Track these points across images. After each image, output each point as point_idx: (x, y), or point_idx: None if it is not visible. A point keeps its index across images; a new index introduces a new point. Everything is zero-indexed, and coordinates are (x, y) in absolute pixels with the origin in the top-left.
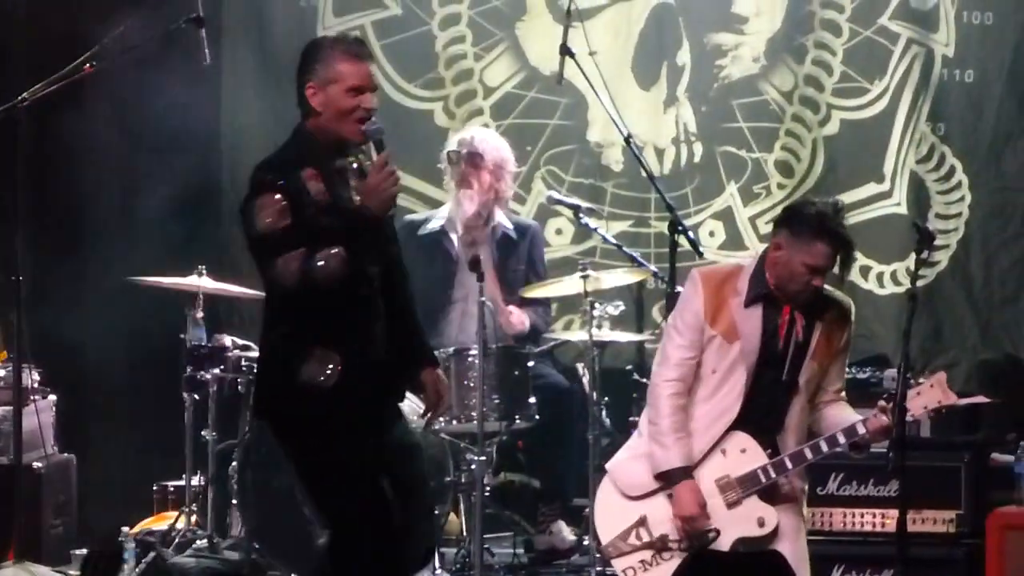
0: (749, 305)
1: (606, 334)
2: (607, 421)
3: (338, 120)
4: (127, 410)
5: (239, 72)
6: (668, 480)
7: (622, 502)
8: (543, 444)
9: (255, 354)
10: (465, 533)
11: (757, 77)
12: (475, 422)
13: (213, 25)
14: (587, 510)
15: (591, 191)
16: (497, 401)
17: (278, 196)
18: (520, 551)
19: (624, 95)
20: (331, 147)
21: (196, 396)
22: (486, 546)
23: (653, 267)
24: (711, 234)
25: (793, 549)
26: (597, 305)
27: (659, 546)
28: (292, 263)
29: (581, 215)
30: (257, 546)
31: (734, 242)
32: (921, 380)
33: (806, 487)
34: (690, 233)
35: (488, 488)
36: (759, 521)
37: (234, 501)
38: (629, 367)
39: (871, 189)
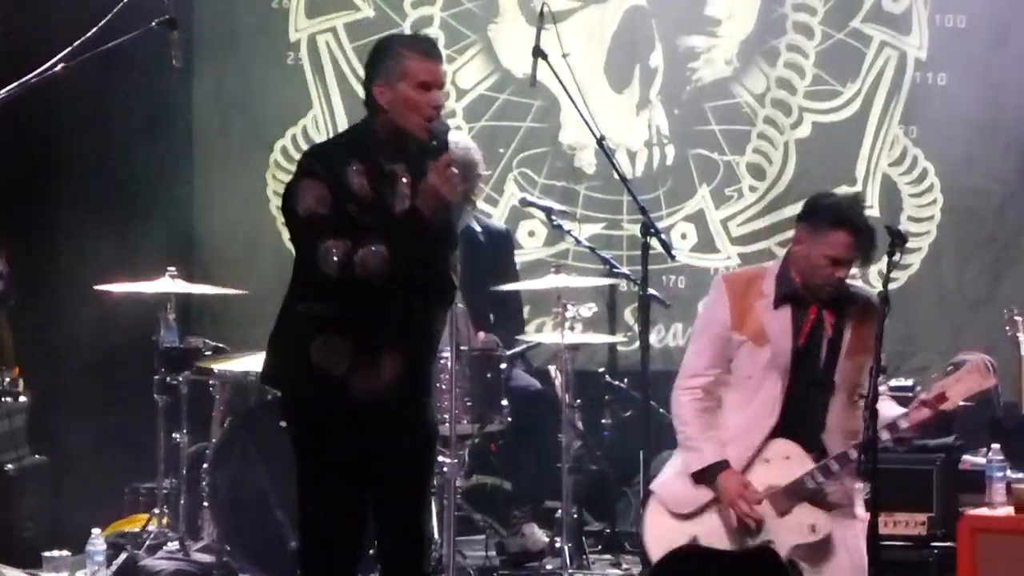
0: (778, 306)
1: (578, 336)
2: (579, 423)
3: (404, 117)
4: (99, 412)
5: (211, 74)
6: (706, 478)
7: (672, 522)
8: (515, 446)
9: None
10: (437, 536)
11: (729, 80)
12: (447, 424)
13: (185, 27)
14: (559, 512)
15: (564, 193)
16: (469, 404)
17: (319, 183)
18: (492, 553)
19: (597, 97)
20: (392, 145)
21: (168, 398)
22: (458, 548)
23: (625, 269)
24: (683, 236)
25: (848, 555)
26: (569, 306)
27: None
28: (334, 252)
29: (554, 217)
30: (228, 548)
31: (706, 245)
32: (946, 369)
33: (860, 485)
34: (662, 235)
35: (460, 490)
36: (811, 528)
37: (205, 504)
38: (601, 369)
39: (843, 192)
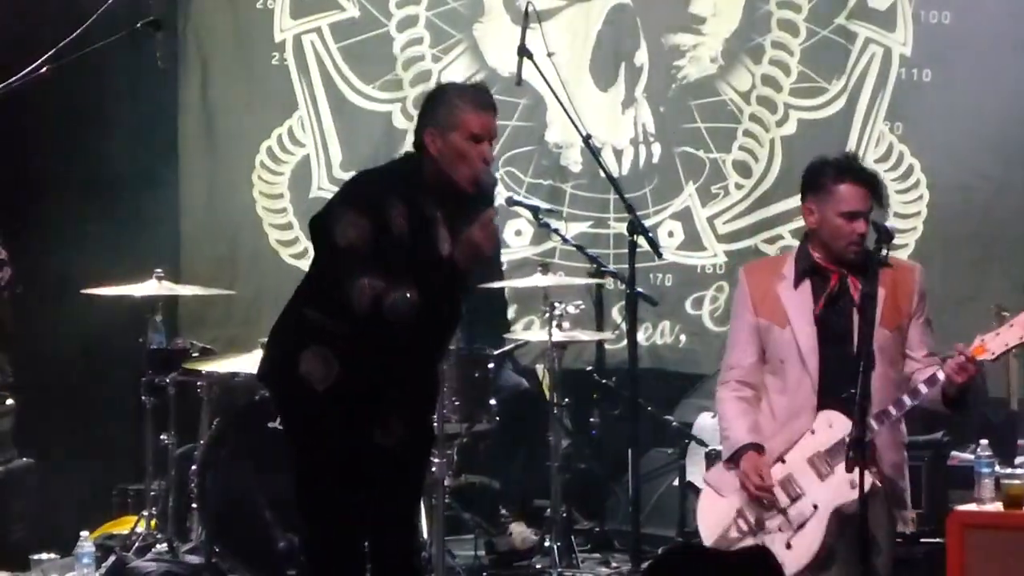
0: (798, 285)
1: (566, 334)
2: (567, 422)
3: (453, 167)
4: (87, 414)
5: (196, 75)
6: (738, 463)
7: (720, 501)
8: (503, 445)
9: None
10: (426, 535)
11: (715, 77)
12: (435, 424)
13: (170, 28)
14: (548, 511)
15: (550, 192)
16: (457, 403)
17: (364, 219)
18: (481, 552)
19: (582, 96)
20: (436, 191)
21: (156, 400)
22: (447, 548)
23: (612, 268)
24: (670, 234)
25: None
26: (557, 305)
27: (758, 529)
28: (367, 293)
29: (540, 216)
30: (217, 550)
31: (693, 242)
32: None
33: (899, 460)
34: (649, 233)
35: (449, 490)
36: (851, 483)
37: (194, 505)
38: (589, 368)
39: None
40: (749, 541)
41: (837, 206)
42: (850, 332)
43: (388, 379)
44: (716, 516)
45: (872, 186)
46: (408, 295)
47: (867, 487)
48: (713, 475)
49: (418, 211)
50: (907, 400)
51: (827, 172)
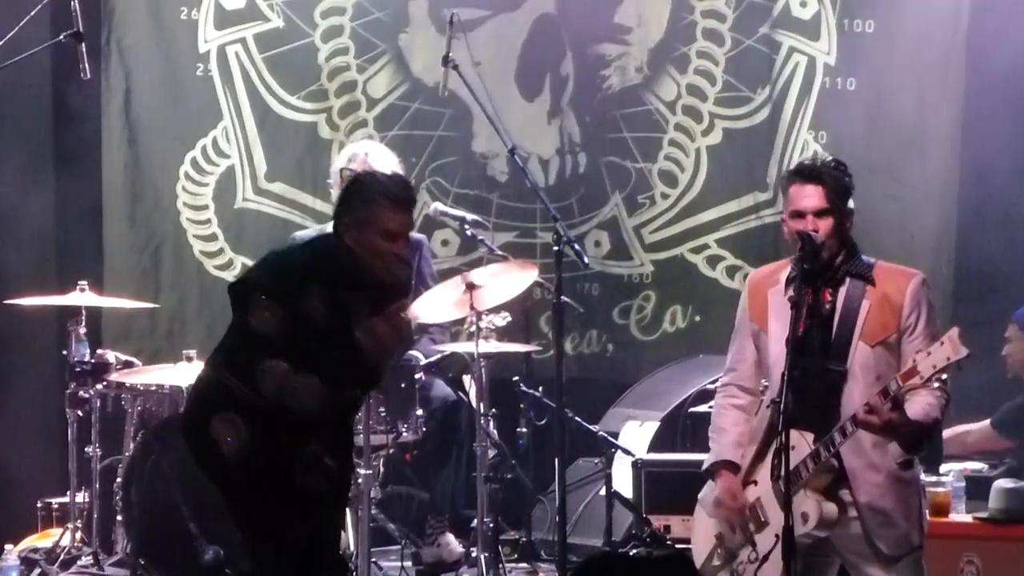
0: (787, 290)
1: (493, 345)
2: (495, 433)
3: (366, 259)
4: (10, 427)
5: (120, 86)
6: (712, 478)
7: (706, 521)
8: (431, 456)
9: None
10: (352, 547)
11: (640, 87)
12: (361, 435)
13: (94, 39)
14: (475, 522)
15: (477, 202)
16: (384, 414)
17: (276, 305)
18: (408, 564)
19: (508, 106)
20: (351, 274)
21: (79, 412)
22: (373, 559)
23: (539, 278)
24: (596, 244)
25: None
26: (484, 316)
27: (730, 560)
28: (271, 377)
29: (467, 226)
30: (142, 562)
31: (620, 252)
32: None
33: (880, 481)
34: (575, 244)
35: (375, 501)
36: (803, 517)
37: (119, 517)
38: (516, 378)
39: (755, 198)
40: (725, 574)
41: (789, 206)
42: (827, 343)
43: (300, 445)
44: (703, 539)
45: (821, 181)
46: (311, 383)
47: (821, 513)
48: (704, 493)
49: (335, 296)
50: (849, 427)
51: (785, 176)
